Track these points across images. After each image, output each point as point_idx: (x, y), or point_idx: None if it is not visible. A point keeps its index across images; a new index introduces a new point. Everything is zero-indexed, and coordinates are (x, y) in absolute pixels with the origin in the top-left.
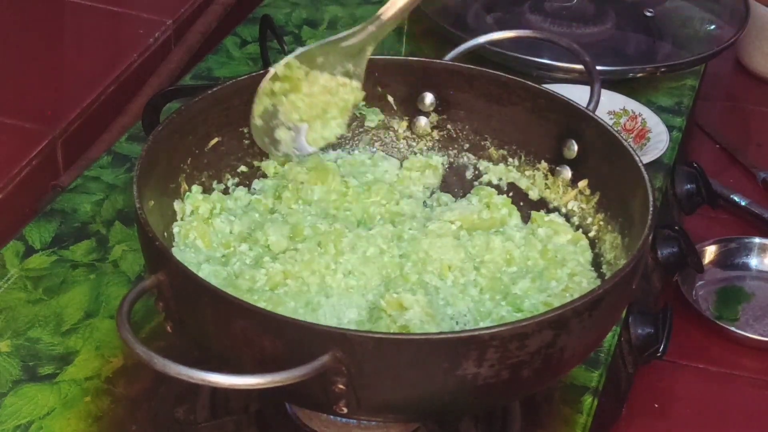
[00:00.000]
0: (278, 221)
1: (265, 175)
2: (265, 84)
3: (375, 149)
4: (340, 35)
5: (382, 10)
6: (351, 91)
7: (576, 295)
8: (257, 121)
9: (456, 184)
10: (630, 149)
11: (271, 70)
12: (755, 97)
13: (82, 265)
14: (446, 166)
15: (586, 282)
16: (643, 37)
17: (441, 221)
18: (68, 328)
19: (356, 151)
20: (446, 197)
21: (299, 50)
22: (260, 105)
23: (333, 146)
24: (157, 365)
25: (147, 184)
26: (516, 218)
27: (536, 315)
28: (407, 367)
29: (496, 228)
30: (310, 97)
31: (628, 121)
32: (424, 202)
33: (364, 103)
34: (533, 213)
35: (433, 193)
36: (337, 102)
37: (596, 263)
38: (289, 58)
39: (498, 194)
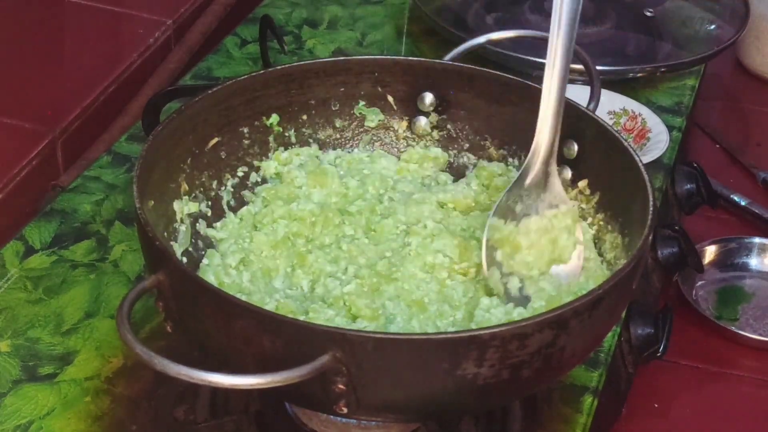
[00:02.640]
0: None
1: (259, 182)
2: (491, 272)
3: (375, 149)
4: (517, 175)
5: (536, 137)
6: (564, 215)
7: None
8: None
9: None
10: (630, 149)
11: (484, 238)
12: (755, 97)
13: (82, 265)
14: (446, 165)
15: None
16: (643, 37)
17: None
18: (68, 328)
19: (355, 150)
20: (445, 176)
21: (494, 208)
22: (492, 281)
23: (333, 146)
24: (156, 365)
25: (147, 184)
26: None
27: (536, 315)
28: (407, 367)
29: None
30: (533, 247)
31: (628, 121)
32: (422, 182)
33: (364, 103)
34: None
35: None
36: (559, 233)
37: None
38: (489, 221)
39: (499, 175)
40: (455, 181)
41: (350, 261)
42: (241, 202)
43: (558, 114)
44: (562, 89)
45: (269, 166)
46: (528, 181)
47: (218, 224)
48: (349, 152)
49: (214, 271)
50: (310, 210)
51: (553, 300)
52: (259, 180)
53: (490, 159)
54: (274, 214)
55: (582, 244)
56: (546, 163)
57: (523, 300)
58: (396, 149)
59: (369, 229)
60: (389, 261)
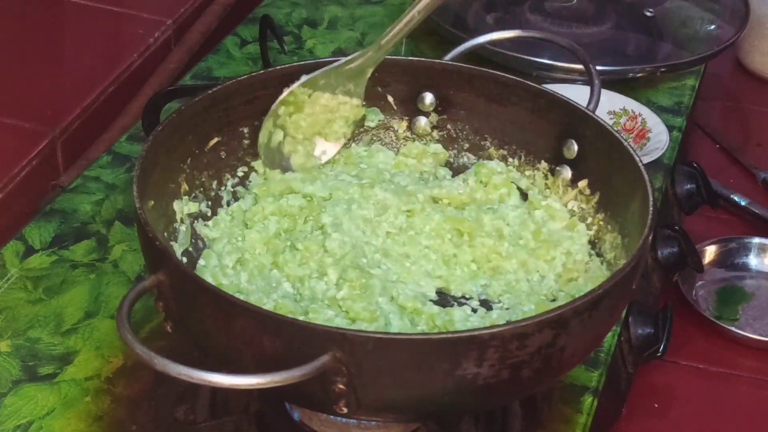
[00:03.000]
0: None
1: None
2: (272, 109)
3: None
4: (342, 61)
5: (381, 37)
6: (351, 108)
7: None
8: (262, 143)
9: None
10: (630, 149)
11: (283, 95)
12: (755, 97)
13: (82, 265)
14: (446, 161)
15: (592, 265)
16: (643, 37)
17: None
18: (68, 328)
19: (353, 146)
20: (444, 171)
21: (304, 79)
22: (266, 129)
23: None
24: (157, 365)
25: (147, 184)
26: (515, 198)
27: (536, 315)
28: (407, 367)
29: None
30: (312, 116)
31: (628, 121)
32: (420, 176)
33: (364, 103)
34: (530, 194)
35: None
36: (338, 118)
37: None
38: (294, 87)
39: (498, 173)
40: (454, 176)
41: (335, 262)
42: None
43: (405, 29)
44: (423, 9)
45: (261, 165)
46: (347, 67)
47: (210, 222)
48: (347, 147)
49: (211, 273)
50: (299, 205)
51: None
52: (257, 180)
53: (489, 158)
54: (265, 210)
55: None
56: (373, 61)
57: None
58: (396, 149)
59: (357, 220)
60: (375, 253)
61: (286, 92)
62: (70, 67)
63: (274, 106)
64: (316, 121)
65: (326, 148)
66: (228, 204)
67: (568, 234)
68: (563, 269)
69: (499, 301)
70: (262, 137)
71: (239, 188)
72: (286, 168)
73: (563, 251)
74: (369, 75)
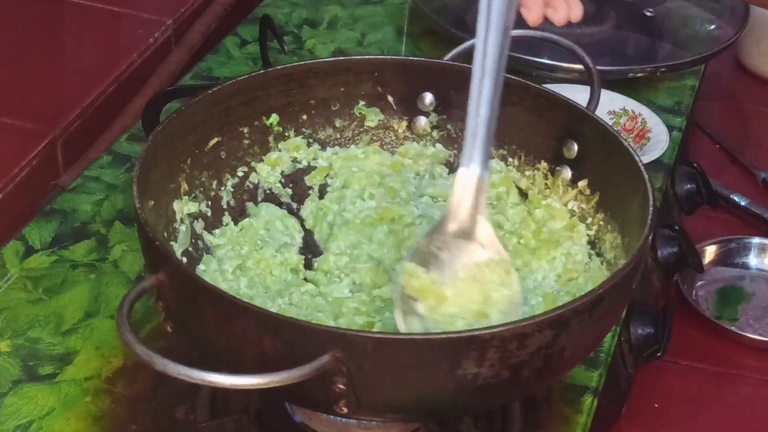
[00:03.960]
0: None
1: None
2: (408, 324)
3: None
4: (438, 221)
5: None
6: (498, 264)
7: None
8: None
9: None
10: (630, 149)
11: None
12: (755, 97)
13: (82, 265)
14: (445, 160)
15: (592, 265)
16: (643, 37)
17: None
18: (68, 328)
19: (352, 146)
20: (441, 168)
21: (407, 260)
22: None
23: (331, 143)
24: (156, 365)
25: (147, 184)
26: (514, 196)
27: (536, 315)
28: (407, 367)
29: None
30: (460, 297)
31: (628, 121)
32: (417, 174)
33: (364, 103)
34: (530, 194)
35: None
36: (491, 285)
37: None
38: (402, 269)
39: (498, 172)
40: (450, 173)
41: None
42: (240, 203)
43: (488, 144)
44: (491, 117)
45: (262, 169)
46: (451, 227)
47: (217, 231)
48: (346, 148)
49: (211, 277)
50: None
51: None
52: (257, 181)
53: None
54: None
55: (517, 291)
56: (473, 207)
57: None
58: (395, 149)
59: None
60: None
61: (398, 286)
62: (70, 67)
63: (399, 322)
64: (470, 299)
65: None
66: (229, 204)
67: (568, 234)
68: (563, 269)
69: None
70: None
71: (250, 204)
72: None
73: (563, 251)
74: (485, 223)
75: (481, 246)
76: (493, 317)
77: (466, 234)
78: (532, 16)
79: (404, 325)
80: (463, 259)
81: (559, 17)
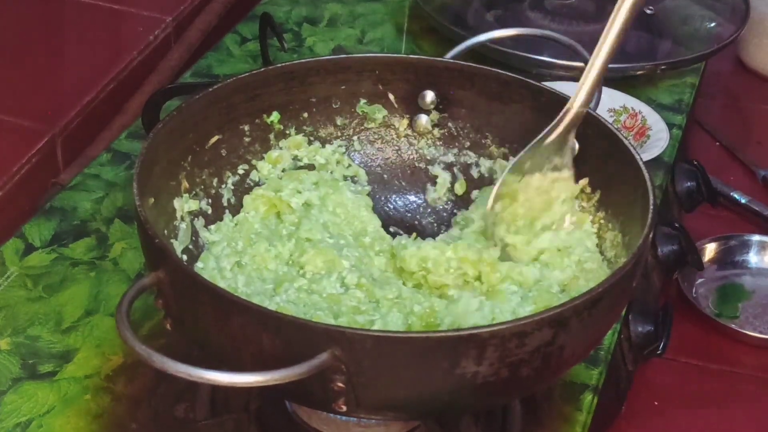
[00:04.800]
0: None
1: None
2: (487, 209)
3: (376, 147)
4: (540, 135)
5: (570, 101)
6: (564, 185)
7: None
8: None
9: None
10: (630, 147)
11: (495, 190)
12: (755, 94)
13: (81, 263)
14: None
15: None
16: (644, 34)
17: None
18: (68, 326)
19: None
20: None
21: (512, 163)
22: (487, 226)
23: (332, 139)
24: (156, 363)
25: (147, 182)
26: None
27: (536, 313)
28: (406, 365)
29: None
30: (528, 202)
31: (628, 118)
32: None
33: (365, 101)
34: None
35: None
36: (554, 201)
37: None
38: (503, 176)
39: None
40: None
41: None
42: (241, 200)
43: (598, 81)
44: (607, 61)
45: (263, 167)
46: (548, 140)
47: (213, 227)
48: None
49: (209, 275)
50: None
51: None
52: (258, 179)
53: (490, 157)
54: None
55: (574, 214)
56: (570, 127)
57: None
58: (397, 147)
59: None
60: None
61: (498, 184)
62: (69, 64)
63: (490, 202)
64: (533, 206)
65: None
66: (230, 202)
67: (578, 236)
68: (572, 276)
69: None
70: (486, 234)
71: (247, 197)
72: (514, 259)
73: (575, 259)
74: (570, 143)
75: (560, 162)
76: (543, 237)
77: (554, 148)
78: None
79: (489, 209)
80: (540, 169)
81: None
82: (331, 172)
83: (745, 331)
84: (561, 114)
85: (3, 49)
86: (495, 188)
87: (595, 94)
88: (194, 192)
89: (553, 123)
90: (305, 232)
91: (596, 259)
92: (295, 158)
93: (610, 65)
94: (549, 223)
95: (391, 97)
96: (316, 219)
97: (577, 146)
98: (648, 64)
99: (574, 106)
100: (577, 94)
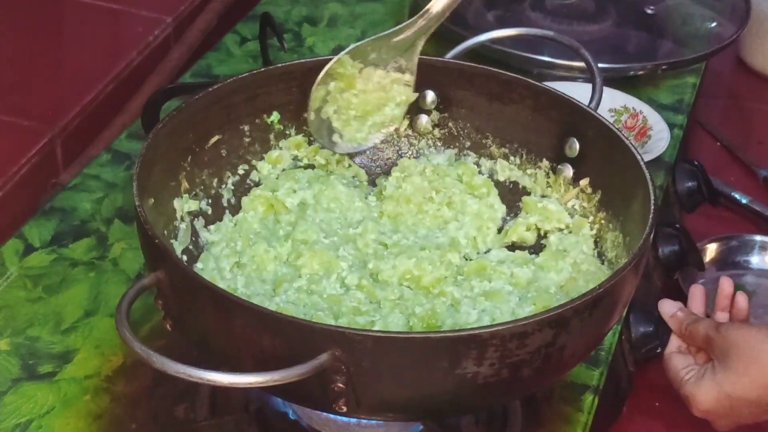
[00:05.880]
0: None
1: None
2: (319, 80)
3: (376, 147)
4: (391, 30)
5: (430, 4)
6: (403, 89)
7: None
8: (312, 116)
9: None
10: (631, 147)
11: (329, 65)
12: (756, 94)
13: (81, 264)
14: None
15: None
16: (644, 34)
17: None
18: (68, 327)
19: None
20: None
21: (352, 47)
22: (316, 99)
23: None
24: (155, 364)
25: (147, 182)
26: (494, 197)
27: (536, 314)
28: (406, 366)
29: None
30: (364, 94)
31: (629, 118)
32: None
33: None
34: (524, 198)
35: None
36: (389, 101)
37: (599, 259)
38: (342, 54)
39: (479, 174)
40: None
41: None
42: (241, 201)
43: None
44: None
45: (263, 167)
46: (397, 38)
47: (212, 227)
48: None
49: (209, 276)
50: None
51: None
52: (258, 179)
53: (491, 157)
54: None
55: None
56: (424, 31)
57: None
58: (397, 147)
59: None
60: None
61: (334, 60)
62: (69, 65)
63: (321, 74)
64: (368, 100)
65: (376, 132)
66: (230, 202)
67: (575, 239)
68: (569, 278)
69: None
70: (312, 106)
71: (245, 199)
72: (330, 144)
73: (570, 261)
74: (420, 48)
75: (405, 64)
76: (365, 127)
77: (402, 48)
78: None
79: (313, 89)
80: (384, 66)
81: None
82: (331, 173)
83: None
84: (417, 15)
85: (3, 49)
86: (330, 63)
87: (453, 7)
88: (194, 192)
89: (409, 21)
90: (301, 233)
91: (592, 262)
92: (296, 158)
93: (611, 65)
94: (379, 123)
95: None
96: (312, 219)
97: (577, 146)
98: (649, 64)
99: (432, 9)
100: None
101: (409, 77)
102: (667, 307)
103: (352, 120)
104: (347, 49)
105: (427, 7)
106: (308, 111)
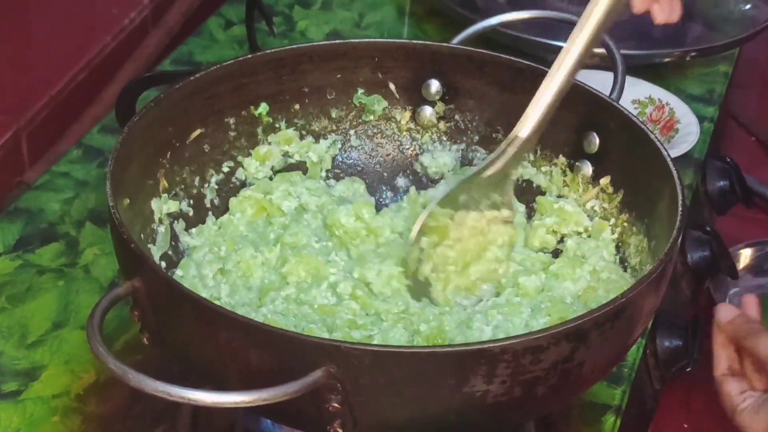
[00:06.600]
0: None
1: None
2: (412, 239)
3: (375, 142)
4: (479, 167)
5: (517, 128)
6: (503, 225)
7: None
8: (407, 281)
9: None
10: (657, 142)
11: (420, 220)
12: None
13: (49, 271)
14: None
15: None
16: None
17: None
18: (34, 340)
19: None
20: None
21: (440, 195)
22: (411, 261)
23: (327, 133)
24: (131, 381)
25: (122, 181)
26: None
27: (552, 326)
28: (409, 383)
29: None
30: (460, 242)
31: (654, 110)
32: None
33: (363, 91)
34: (539, 198)
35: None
36: (490, 244)
37: (621, 266)
38: (431, 207)
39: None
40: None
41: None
42: (225, 201)
43: (549, 112)
44: (565, 84)
45: (250, 164)
46: (489, 172)
47: (194, 230)
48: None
49: (190, 284)
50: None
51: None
52: (244, 178)
53: None
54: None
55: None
56: (516, 161)
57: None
58: (398, 142)
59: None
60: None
61: (423, 215)
62: (36, 50)
63: (414, 233)
64: (466, 248)
65: (484, 286)
66: (213, 203)
67: (594, 244)
68: (587, 287)
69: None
70: (410, 269)
71: (233, 200)
72: (434, 301)
73: (589, 269)
74: (514, 179)
75: (500, 200)
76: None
77: (493, 184)
78: (637, 5)
79: (410, 246)
80: (477, 207)
81: (661, 17)
82: (326, 171)
83: None
84: (504, 143)
85: None
86: (420, 219)
87: (546, 119)
88: (174, 192)
89: (496, 152)
90: (290, 236)
91: (613, 269)
92: (286, 154)
93: (635, 52)
94: (484, 274)
95: (392, 86)
96: (308, 223)
97: (597, 141)
98: (676, 50)
99: (521, 135)
100: (524, 119)
101: (507, 213)
102: (725, 312)
103: (452, 275)
104: (436, 200)
105: (513, 131)
106: (406, 275)
